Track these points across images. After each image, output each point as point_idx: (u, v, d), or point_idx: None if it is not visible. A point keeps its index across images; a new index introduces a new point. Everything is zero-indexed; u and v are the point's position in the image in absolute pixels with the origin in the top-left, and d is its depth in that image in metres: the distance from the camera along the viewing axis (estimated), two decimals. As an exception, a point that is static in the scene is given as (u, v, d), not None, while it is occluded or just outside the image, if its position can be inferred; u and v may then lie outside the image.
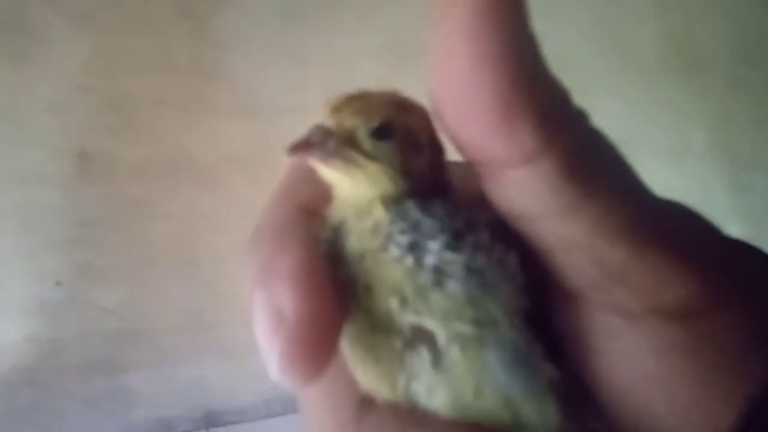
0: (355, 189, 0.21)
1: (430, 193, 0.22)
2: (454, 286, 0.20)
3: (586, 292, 0.20)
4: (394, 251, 0.20)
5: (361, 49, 0.76)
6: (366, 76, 0.76)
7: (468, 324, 0.20)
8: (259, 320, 0.20)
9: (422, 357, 0.20)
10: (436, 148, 0.22)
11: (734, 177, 0.92)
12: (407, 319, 0.20)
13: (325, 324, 0.20)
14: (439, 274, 0.20)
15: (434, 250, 0.20)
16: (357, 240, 0.21)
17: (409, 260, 0.20)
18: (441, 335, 0.20)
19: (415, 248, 0.20)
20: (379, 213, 0.21)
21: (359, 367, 0.21)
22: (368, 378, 0.21)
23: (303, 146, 0.21)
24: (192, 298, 0.80)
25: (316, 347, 0.19)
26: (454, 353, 0.20)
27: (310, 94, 0.77)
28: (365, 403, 0.21)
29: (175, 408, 0.83)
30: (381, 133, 0.21)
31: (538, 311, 0.21)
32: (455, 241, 0.20)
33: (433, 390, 0.20)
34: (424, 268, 0.20)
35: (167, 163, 0.76)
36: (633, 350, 0.20)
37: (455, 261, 0.20)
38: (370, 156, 0.21)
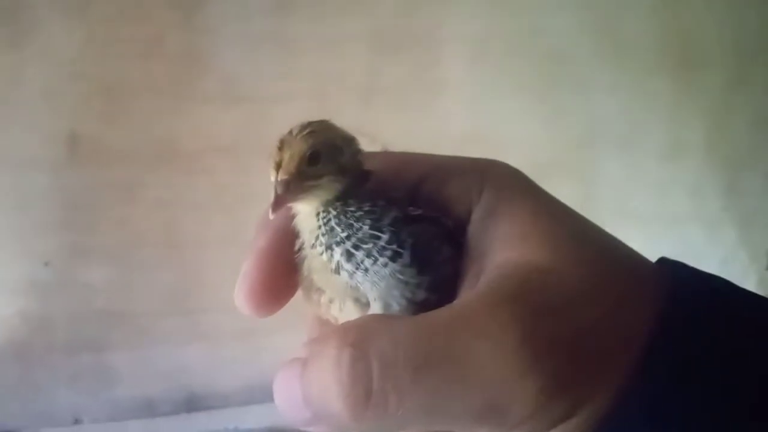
0: (308, 206, 0.32)
1: (359, 180, 0.32)
2: (344, 275, 0.31)
3: None
4: (318, 249, 0.32)
5: (348, 37, 0.76)
6: (353, 63, 0.77)
7: (351, 299, 0.32)
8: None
9: (335, 306, 0.32)
10: (350, 141, 0.33)
11: (729, 177, 0.91)
12: (323, 287, 0.32)
13: (266, 281, 0.32)
14: (338, 266, 0.31)
15: (338, 252, 0.31)
16: (306, 241, 0.32)
17: (325, 255, 0.32)
18: (338, 301, 0.32)
19: (328, 249, 0.32)
20: (314, 225, 0.32)
21: (313, 307, 0.34)
22: (317, 310, 0.34)
23: (279, 202, 0.30)
24: (176, 282, 0.81)
25: (260, 294, 0.32)
26: (347, 309, 0.32)
27: (298, 82, 0.78)
28: (322, 321, 0.35)
29: (157, 389, 0.85)
30: (314, 158, 0.31)
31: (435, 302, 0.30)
32: (353, 248, 0.31)
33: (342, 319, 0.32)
34: (332, 262, 0.31)
35: (156, 148, 0.77)
36: None
37: (349, 260, 0.31)
38: (317, 176, 0.31)
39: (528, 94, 0.84)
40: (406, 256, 0.30)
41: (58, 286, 0.78)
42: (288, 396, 0.28)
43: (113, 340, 0.82)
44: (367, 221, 0.31)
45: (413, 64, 0.83)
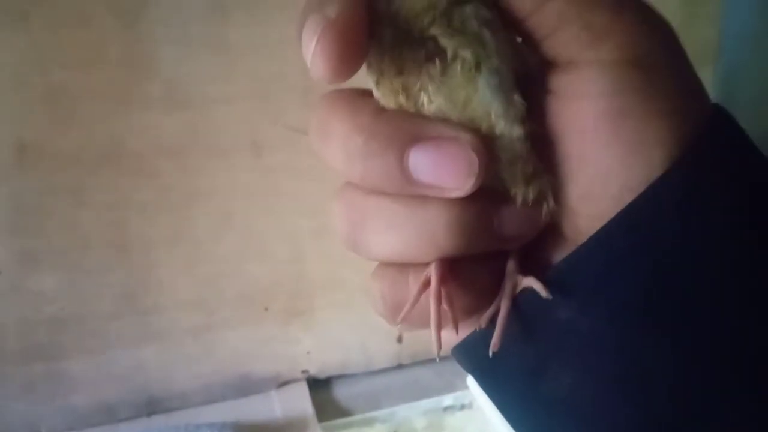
0: None
1: None
2: (471, 23, 0.27)
3: (576, 54, 0.26)
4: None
5: (285, 39, 0.79)
6: (292, 64, 0.79)
7: (470, 51, 0.27)
8: (306, 28, 0.26)
9: (435, 66, 0.27)
10: None
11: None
12: (431, 32, 0.27)
13: (357, 31, 0.25)
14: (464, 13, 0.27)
15: None
16: None
17: None
18: (449, 52, 0.27)
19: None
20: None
21: (382, 80, 0.28)
22: (387, 90, 0.28)
23: None
24: (127, 284, 0.82)
25: (346, 46, 0.25)
26: (455, 67, 0.27)
27: (238, 84, 0.80)
28: (381, 109, 0.28)
29: (116, 393, 0.85)
30: None
31: (526, 77, 0.28)
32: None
33: (434, 97, 0.27)
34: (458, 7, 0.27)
35: (101, 153, 0.78)
36: (597, 91, 0.26)
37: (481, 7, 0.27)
38: None
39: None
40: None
41: (8, 295, 0.79)
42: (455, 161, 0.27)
43: (67, 346, 0.82)
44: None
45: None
